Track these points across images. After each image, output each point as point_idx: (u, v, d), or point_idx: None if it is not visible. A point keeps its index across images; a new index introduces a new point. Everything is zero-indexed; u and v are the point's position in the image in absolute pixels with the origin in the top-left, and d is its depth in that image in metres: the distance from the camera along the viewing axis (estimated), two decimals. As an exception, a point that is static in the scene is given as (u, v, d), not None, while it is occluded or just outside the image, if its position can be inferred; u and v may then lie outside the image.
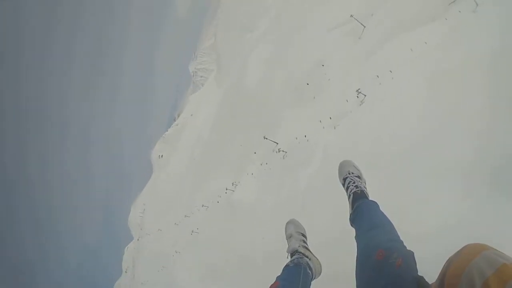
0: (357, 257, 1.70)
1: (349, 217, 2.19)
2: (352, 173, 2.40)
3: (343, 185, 2.41)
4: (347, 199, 2.29)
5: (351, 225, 2.13)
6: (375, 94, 6.34)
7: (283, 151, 8.92)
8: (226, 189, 10.81)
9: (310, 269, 2.12)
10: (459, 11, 5.82)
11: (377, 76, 7.01)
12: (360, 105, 6.69)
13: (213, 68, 38.78)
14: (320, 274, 2.33)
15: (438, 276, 1.18)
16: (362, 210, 2.08)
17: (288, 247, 2.47)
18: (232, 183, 10.95)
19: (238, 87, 21.87)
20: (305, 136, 8.15)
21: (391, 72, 6.75)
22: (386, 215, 1.91)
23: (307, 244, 2.51)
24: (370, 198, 2.22)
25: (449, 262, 1.13)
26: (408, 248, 1.54)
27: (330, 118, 7.66)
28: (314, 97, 11.01)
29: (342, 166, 2.52)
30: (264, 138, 10.03)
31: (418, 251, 1.48)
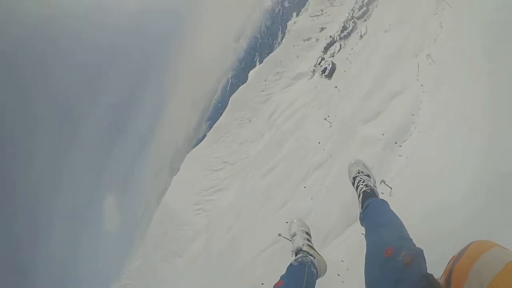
0: (366, 254, 1.72)
1: (359, 216, 2.25)
2: (362, 172, 2.47)
3: (353, 184, 2.47)
4: (357, 198, 2.35)
5: (361, 224, 2.17)
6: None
7: None
8: None
9: (315, 267, 2.14)
10: (382, 193, 6.63)
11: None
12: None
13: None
14: (325, 272, 2.37)
15: (444, 273, 1.21)
16: (372, 209, 2.13)
17: (292, 245, 2.48)
18: None
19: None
20: None
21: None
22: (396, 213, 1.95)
23: (311, 242, 2.51)
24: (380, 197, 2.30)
25: (455, 259, 1.16)
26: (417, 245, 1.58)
27: None
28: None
29: (351, 165, 2.59)
30: None
31: (426, 248, 1.50)
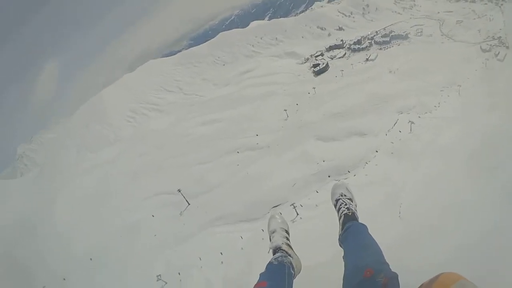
0: (344, 274, 1.81)
1: (338, 237, 2.31)
2: (345, 195, 2.59)
3: (335, 206, 2.57)
4: (338, 220, 2.44)
5: (340, 245, 2.25)
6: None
7: None
8: None
9: (293, 268, 2.16)
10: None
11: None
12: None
13: (41, 163, 35.93)
14: (300, 272, 2.34)
15: None
16: (352, 232, 2.20)
17: (271, 242, 2.48)
18: None
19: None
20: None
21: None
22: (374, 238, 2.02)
23: (289, 241, 2.55)
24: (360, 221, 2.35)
25: (425, 286, 1.26)
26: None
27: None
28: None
29: (335, 187, 2.71)
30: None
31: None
